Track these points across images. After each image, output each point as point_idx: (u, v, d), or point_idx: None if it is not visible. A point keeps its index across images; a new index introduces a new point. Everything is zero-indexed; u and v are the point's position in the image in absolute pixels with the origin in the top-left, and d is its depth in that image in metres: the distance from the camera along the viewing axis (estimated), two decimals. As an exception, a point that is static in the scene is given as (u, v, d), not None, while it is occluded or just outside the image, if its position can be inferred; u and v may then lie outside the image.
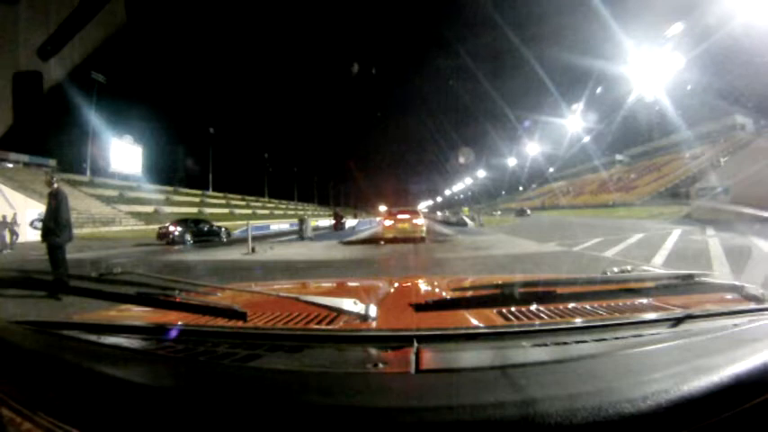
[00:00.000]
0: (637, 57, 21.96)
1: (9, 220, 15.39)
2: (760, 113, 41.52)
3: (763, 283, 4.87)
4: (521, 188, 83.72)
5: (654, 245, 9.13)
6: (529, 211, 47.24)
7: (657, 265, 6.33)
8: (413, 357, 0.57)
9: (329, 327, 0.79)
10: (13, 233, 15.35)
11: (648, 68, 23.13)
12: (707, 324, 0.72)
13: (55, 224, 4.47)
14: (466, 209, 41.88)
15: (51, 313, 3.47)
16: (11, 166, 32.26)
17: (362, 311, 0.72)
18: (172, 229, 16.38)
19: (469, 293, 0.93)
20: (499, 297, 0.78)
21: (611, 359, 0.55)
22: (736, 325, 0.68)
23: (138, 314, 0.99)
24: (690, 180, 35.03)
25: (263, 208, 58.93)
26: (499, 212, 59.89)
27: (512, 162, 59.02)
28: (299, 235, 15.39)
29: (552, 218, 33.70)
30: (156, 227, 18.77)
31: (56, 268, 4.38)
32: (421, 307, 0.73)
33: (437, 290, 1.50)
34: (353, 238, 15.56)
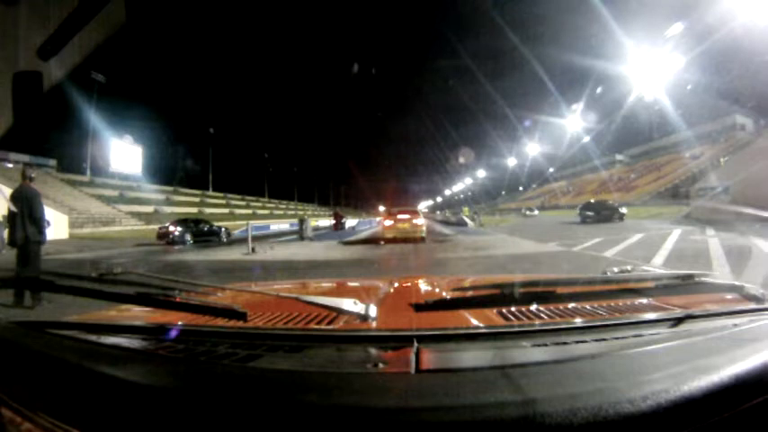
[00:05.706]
0: (637, 57, 22.05)
1: (9, 220, 15.37)
2: (760, 113, 41.65)
3: (763, 283, 4.87)
4: (521, 188, 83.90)
5: (654, 245, 9.13)
6: (624, 209, 22.18)
7: (657, 265, 6.33)
8: (413, 357, 0.57)
9: (329, 327, 0.79)
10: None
11: (648, 68, 23.21)
12: (707, 324, 0.72)
13: (32, 221, 4.40)
14: (466, 209, 41.74)
15: (51, 313, 3.48)
16: (11, 166, 32.21)
17: (362, 311, 0.72)
18: (172, 229, 16.39)
19: (469, 293, 0.93)
20: (499, 297, 0.78)
21: (611, 359, 0.55)
22: (736, 325, 0.68)
23: (138, 314, 0.99)
24: (690, 180, 35.00)
25: (263, 208, 58.85)
26: (536, 212, 43.05)
27: (512, 162, 59.15)
28: (300, 235, 15.38)
29: (552, 218, 33.53)
30: (156, 227, 18.75)
31: (27, 266, 4.30)
32: (421, 307, 0.73)
33: (437, 290, 1.50)
34: (353, 238, 15.53)
